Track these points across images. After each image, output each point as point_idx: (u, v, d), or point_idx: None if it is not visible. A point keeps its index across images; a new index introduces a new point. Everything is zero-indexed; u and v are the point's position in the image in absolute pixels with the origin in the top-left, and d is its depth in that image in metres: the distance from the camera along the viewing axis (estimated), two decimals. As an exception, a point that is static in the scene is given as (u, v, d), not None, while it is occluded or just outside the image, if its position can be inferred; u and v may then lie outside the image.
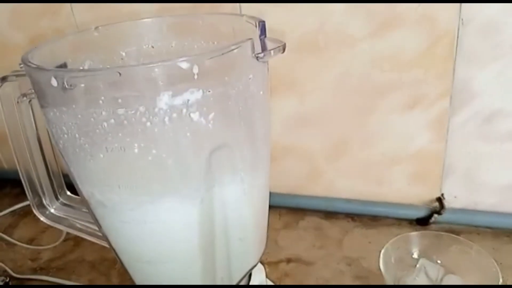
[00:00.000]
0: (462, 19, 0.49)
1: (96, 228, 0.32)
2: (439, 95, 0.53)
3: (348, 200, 0.62)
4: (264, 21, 0.26)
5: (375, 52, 0.53)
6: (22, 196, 0.73)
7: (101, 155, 0.23)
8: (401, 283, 0.48)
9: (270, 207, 0.65)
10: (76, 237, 0.63)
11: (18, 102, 0.30)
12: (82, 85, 0.22)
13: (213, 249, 0.27)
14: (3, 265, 0.58)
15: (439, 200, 0.58)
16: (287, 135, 0.61)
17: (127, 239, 0.26)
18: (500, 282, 0.44)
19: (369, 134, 0.58)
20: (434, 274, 0.49)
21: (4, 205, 0.71)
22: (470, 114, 0.53)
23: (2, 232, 0.65)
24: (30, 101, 0.30)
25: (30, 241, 0.63)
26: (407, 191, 0.60)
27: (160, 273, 0.27)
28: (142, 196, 0.24)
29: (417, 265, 0.50)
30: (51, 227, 0.67)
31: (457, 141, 0.55)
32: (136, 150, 0.22)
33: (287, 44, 0.25)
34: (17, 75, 0.28)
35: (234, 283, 0.29)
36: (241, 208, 0.26)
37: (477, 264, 0.48)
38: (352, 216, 0.62)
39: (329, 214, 0.63)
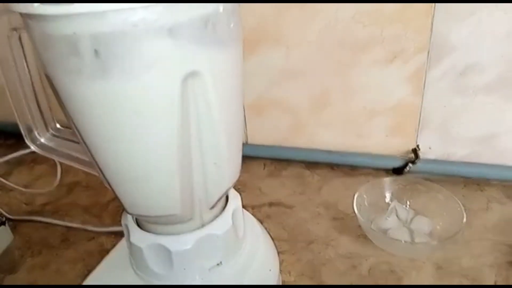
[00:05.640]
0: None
1: (86, 158, 0.34)
2: (417, 50, 0.55)
3: (329, 151, 0.65)
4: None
5: (357, 6, 0.54)
6: (15, 146, 0.77)
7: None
8: (374, 224, 0.52)
9: (255, 158, 0.68)
10: (69, 183, 0.68)
11: (8, 36, 0.32)
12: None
13: (190, 170, 0.29)
14: (-1, 208, 0.60)
15: (415, 151, 0.61)
16: (272, 88, 0.64)
17: (113, 159, 0.28)
18: (464, 221, 0.48)
19: (350, 88, 0.60)
20: (404, 215, 0.52)
21: (-1, 155, 0.74)
22: (446, 68, 0.55)
23: (-3, 179, 0.68)
24: (20, 35, 0.32)
25: (25, 188, 0.66)
26: (385, 142, 0.62)
27: (143, 191, 0.30)
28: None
29: (389, 208, 0.53)
30: (45, 175, 0.70)
31: (433, 94, 0.57)
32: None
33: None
34: (6, 10, 0.30)
35: (211, 204, 0.32)
36: (216, 133, 0.29)
37: (444, 206, 0.51)
38: (332, 166, 0.65)
39: (311, 164, 0.66)
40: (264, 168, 0.67)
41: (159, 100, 0.25)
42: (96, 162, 0.30)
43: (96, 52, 0.24)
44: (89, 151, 0.29)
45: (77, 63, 0.24)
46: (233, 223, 0.34)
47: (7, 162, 0.73)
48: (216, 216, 0.34)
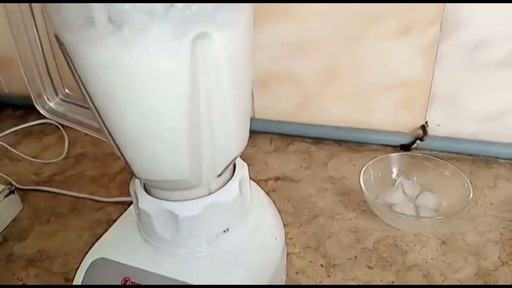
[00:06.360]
0: None
1: (94, 124, 0.34)
2: (430, 22, 0.54)
3: (336, 127, 0.64)
4: None
5: (369, -23, 0.53)
6: (24, 117, 0.77)
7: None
8: (379, 199, 0.52)
9: (262, 133, 0.68)
10: (77, 154, 0.68)
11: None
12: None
13: (199, 134, 0.29)
14: (8, 177, 0.61)
15: (423, 127, 0.61)
16: (279, 62, 0.63)
17: (123, 122, 0.28)
18: (471, 197, 0.47)
19: (359, 62, 0.60)
20: (411, 191, 0.52)
21: (7, 126, 0.74)
22: (458, 42, 0.55)
23: (6, 150, 0.68)
24: (30, -3, 0.32)
25: (33, 158, 0.66)
26: (393, 118, 0.62)
27: (153, 155, 0.30)
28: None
29: (395, 183, 0.53)
30: (52, 146, 0.71)
31: (444, 69, 0.57)
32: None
33: None
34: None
35: (219, 171, 0.32)
36: (224, 98, 0.29)
37: (451, 183, 0.51)
38: (340, 142, 0.65)
39: (318, 140, 0.66)
40: (270, 143, 0.67)
41: (170, 62, 0.25)
42: (105, 126, 0.30)
43: (107, 13, 0.23)
44: (99, 114, 0.29)
45: (89, 24, 0.24)
46: (240, 191, 0.34)
47: (16, 132, 0.74)
48: (224, 184, 0.34)
